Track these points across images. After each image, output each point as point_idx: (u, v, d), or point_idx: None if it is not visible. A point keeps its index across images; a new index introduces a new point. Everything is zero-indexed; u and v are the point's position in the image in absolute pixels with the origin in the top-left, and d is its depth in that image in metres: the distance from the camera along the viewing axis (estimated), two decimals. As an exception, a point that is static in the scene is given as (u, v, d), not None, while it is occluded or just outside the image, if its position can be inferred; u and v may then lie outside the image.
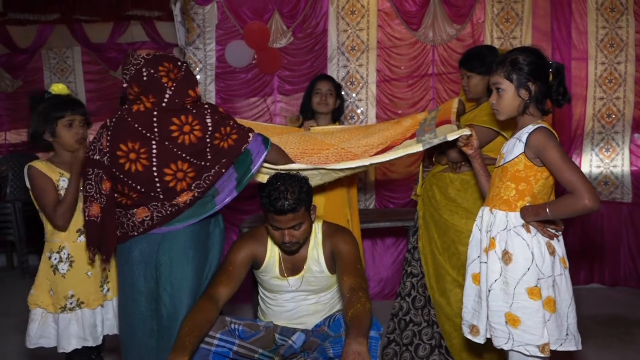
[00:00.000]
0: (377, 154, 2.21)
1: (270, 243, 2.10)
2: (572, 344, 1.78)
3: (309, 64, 3.98)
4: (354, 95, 4.03)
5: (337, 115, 2.99)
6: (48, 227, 2.17)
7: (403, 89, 4.00)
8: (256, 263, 2.11)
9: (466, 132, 1.96)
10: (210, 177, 1.96)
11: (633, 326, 3.30)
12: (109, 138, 1.92)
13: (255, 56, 3.96)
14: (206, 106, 1.96)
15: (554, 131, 1.77)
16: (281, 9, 3.94)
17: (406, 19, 3.92)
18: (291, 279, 2.09)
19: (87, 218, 1.98)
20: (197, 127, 1.91)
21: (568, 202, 1.69)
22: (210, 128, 1.93)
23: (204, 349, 1.90)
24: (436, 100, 3.95)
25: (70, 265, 2.15)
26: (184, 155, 1.91)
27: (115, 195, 1.98)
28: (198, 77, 4.00)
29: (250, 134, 2.02)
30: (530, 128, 1.77)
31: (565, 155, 1.72)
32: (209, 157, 1.95)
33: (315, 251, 2.08)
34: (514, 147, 1.79)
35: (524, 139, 1.76)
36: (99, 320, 2.22)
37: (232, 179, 2.00)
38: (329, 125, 2.88)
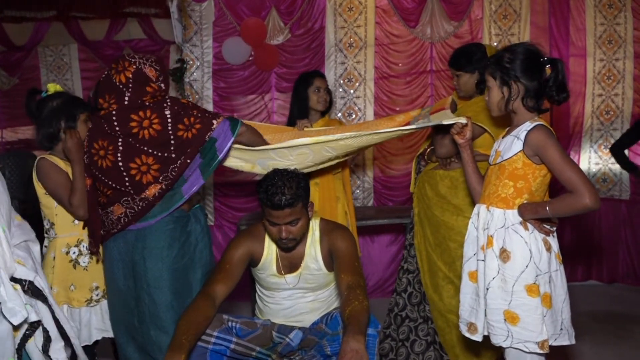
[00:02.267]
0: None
1: (267, 240, 2.09)
2: (566, 339, 1.79)
3: (306, 61, 3.97)
4: (351, 92, 4.02)
5: (328, 110, 2.97)
6: (59, 222, 2.16)
7: (401, 86, 3.99)
8: (253, 261, 2.10)
9: (462, 120, 1.95)
10: (177, 169, 2.01)
11: (630, 323, 3.30)
12: (87, 138, 2.06)
13: (253, 53, 3.95)
14: (167, 99, 2.01)
15: (552, 129, 1.77)
16: (278, 5, 3.92)
17: (404, 16, 3.91)
18: (288, 276, 2.08)
19: None
20: (155, 121, 1.96)
21: (569, 201, 1.69)
22: (169, 120, 1.97)
23: (201, 347, 1.89)
24: (434, 97, 3.95)
25: (91, 258, 2.17)
26: (146, 149, 1.97)
27: (98, 193, 2.08)
28: (195, 74, 3.99)
29: (215, 121, 2.03)
30: (528, 126, 1.76)
31: (565, 153, 1.72)
32: (173, 148, 1.99)
33: (313, 248, 2.08)
34: (512, 145, 1.78)
35: (522, 136, 1.75)
36: None
37: (197, 166, 2.05)
38: (319, 121, 2.87)
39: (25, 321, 1.38)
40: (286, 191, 1.90)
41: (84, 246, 2.17)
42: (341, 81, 4.00)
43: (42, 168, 2.13)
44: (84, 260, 2.16)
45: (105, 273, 2.14)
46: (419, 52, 3.94)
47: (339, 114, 4.03)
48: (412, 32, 3.92)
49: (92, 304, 2.16)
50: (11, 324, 1.33)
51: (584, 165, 4.00)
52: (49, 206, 2.16)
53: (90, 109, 2.22)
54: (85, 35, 4.96)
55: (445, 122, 2.01)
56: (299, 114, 2.85)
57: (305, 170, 2.28)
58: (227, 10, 3.92)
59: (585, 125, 3.99)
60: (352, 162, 3.98)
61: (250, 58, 3.96)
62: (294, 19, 3.93)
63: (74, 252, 2.15)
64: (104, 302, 2.20)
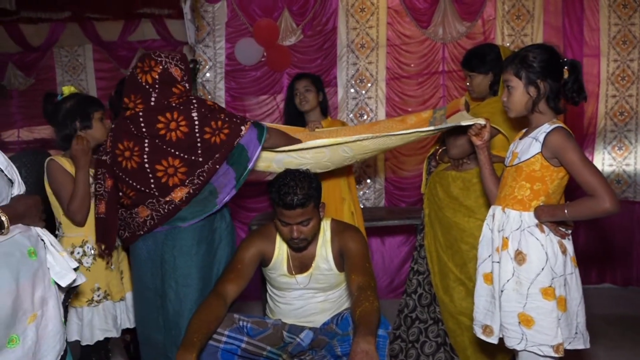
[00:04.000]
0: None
1: (278, 241, 2.10)
2: (580, 343, 1.77)
3: (318, 62, 3.98)
4: (363, 93, 4.02)
5: (324, 107, 2.97)
6: (65, 221, 2.19)
7: (413, 87, 3.98)
8: (264, 260, 2.11)
9: (481, 121, 1.94)
10: (204, 174, 1.99)
11: (645, 326, 3.27)
12: (111, 139, 2.04)
13: (265, 54, 3.96)
14: (194, 101, 1.99)
15: (570, 131, 1.75)
16: (291, 6, 3.94)
17: (416, 17, 3.90)
18: (299, 276, 2.09)
19: (96, 215, 2.11)
20: (182, 123, 1.95)
21: (588, 204, 1.67)
22: (196, 122, 1.96)
23: (213, 345, 1.91)
24: (446, 98, 3.93)
25: (94, 259, 2.19)
26: (173, 151, 1.96)
27: (120, 194, 2.07)
28: (207, 75, 4.02)
29: (243, 127, 2.02)
30: (547, 127, 1.74)
31: (585, 156, 1.70)
32: (200, 152, 1.98)
33: (324, 249, 2.08)
34: (530, 147, 1.76)
35: (541, 138, 1.73)
36: (118, 312, 2.28)
37: (230, 177, 2.04)
38: (323, 121, 2.89)
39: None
40: (298, 191, 1.91)
41: (88, 247, 2.18)
42: (353, 82, 4.00)
43: (49, 169, 2.16)
44: (87, 260, 2.18)
45: (133, 273, 2.16)
46: (431, 52, 3.93)
47: (351, 115, 4.03)
48: (424, 32, 3.90)
49: (93, 304, 2.17)
50: (59, 286, 1.46)
51: (597, 166, 3.94)
52: (57, 206, 2.20)
53: (105, 108, 2.25)
54: (100, 36, 5.01)
55: (463, 124, 2.00)
56: (289, 117, 2.93)
57: (319, 171, 2.29)
58: (239, 11, 3.94)
59: (599, 126, 3.95)
60: (363, 163, 3.99)
61: (263, 59, 3.98)
62: (306, 20, 3.95)
63: (78, 253, 2.17)
64: (107, 303, 2.22)
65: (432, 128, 2.15)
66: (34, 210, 1.42)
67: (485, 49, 2.45)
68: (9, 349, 1.24)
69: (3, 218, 1.29)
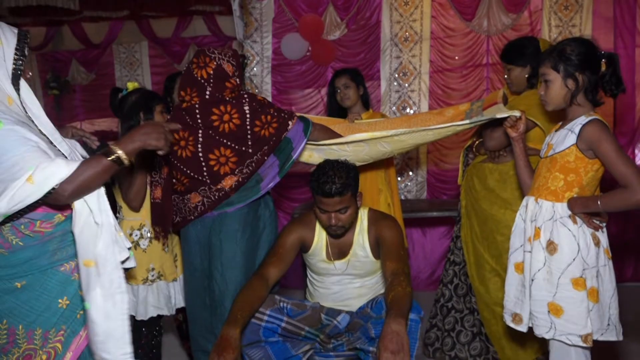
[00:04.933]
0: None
1: (318, 228, 2.21)
2: (613, 335, 1.78)
3: (362, 56, 4.04)
4: (406, 86, 4.05)
5: (365, 100, 3.01)
6: (125, 206, 2.36)
7: (457, 80, 3.98)
8: (304, 246, 2.22)
9: (516, 113, 1.95)
10: (253, 164, 2.13)
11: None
12: None
13: (310, 48, 4.07)
14: (245, 96, 2.13)
15: (607, 123, 1.76)
16: (335, 1, 4.01)
17: (460, 9, 3.89)
18: (337, 262, 2.19)
19: (152, 200, 2.28)
20: (235, 115, 2.09)
21: (621, 196, 1.68)
22: (248, 116, 2.10)
23: (255, 323, 2.04)
24: (490, 90, 3.90)
25: (150, 242, 2.37)
26: (225, 141, 2.10)
27: (173, 181, 2.22)
28: (255, 69, 4.16)
29: (290, 122, 2.16)
30: (583, 119, 1.75)
31: (619, 148, 1.71)
32: (250, 143, 2.11)
33: (361, 237, 2.17)
34: (565, 138, 1.78)
35: (576, 130, 1.75)
36: (172, 292, 2.44)
37: (274, 165, 2.17)
38: (363, 114, 2.95)
39: None
40: (336, 180, 2.01)
41: (145, 230, 2.36)
42: (396, 75, 4.04)
43: None
44: (144, 243, 2.35)
45: (183, 255, 2.32)
46: (475, 45, 3.91)
47: (393, 107, 4.08)
48: (469, 25, 3.89)
49: (147, 283, 2.34)
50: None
51: (650, 160, 3.83)
52: (118, 191, 2.39)
53: (165, 101, 2.41)
54: (155, 32, 5.26)
55: (499, 116, 2.03)
56: (332, 112, 2.99)
57: (359, 163, 2.38)
58: (286, 7, 4.06)
59: (652, 119, 3.82)
60: (405, 155, 4.03)
61: (308, 53, 4.08)
62: (351, 14, 4.02)
63: (136, 235, 2.35)
64: (161, 283, 2.38)
65: (467, 122, 2.19)
66: (154, 133, 1.43)
67: (524, 41, 2.44)
68: None
69: (119, 152, 1.36)
